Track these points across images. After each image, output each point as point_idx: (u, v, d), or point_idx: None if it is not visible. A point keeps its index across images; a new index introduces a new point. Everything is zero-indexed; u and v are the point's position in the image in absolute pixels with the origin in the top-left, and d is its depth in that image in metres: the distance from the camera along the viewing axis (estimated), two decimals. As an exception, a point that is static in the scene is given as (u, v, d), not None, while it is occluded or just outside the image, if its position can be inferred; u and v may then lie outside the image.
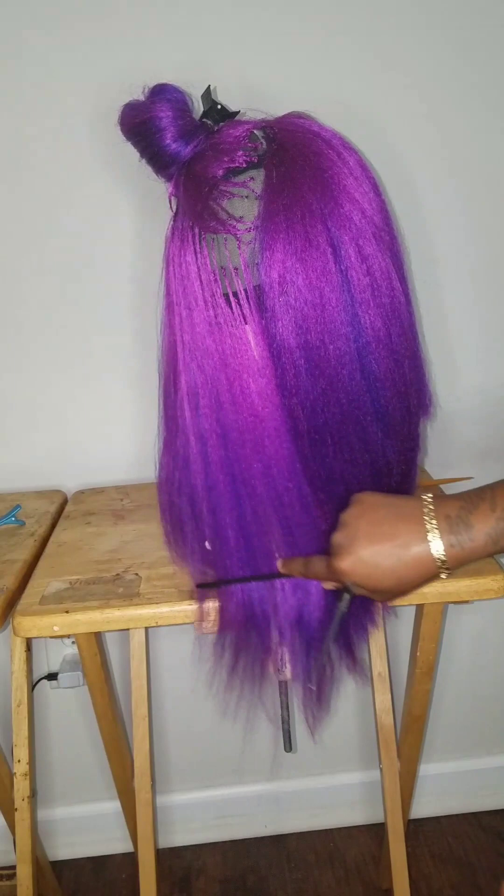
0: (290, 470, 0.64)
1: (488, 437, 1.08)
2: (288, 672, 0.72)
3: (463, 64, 0.90)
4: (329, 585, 0.66)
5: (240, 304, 0.60)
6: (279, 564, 0.68)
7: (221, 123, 0.64)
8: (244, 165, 0.60)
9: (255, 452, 0.64)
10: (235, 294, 0.60)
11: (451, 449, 1.07)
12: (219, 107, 0.64)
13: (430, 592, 0.73)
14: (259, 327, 0.60)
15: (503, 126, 0.93)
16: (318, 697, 0.73)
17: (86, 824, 1.27)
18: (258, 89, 0.86)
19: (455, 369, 1.04)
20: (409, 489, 0.71)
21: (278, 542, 0.68)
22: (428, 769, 1.28)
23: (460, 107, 0.91)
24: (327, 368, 0.61)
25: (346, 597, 0.62)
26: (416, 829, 1.28)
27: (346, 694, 1.20)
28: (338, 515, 0.62)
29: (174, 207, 0.66)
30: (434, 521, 0.55)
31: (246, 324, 0.60)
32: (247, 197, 0.60)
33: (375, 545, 0.57)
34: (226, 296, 0.61)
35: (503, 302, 1.02)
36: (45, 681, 1.13)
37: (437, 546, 0.55)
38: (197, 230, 0.61)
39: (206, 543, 0.72)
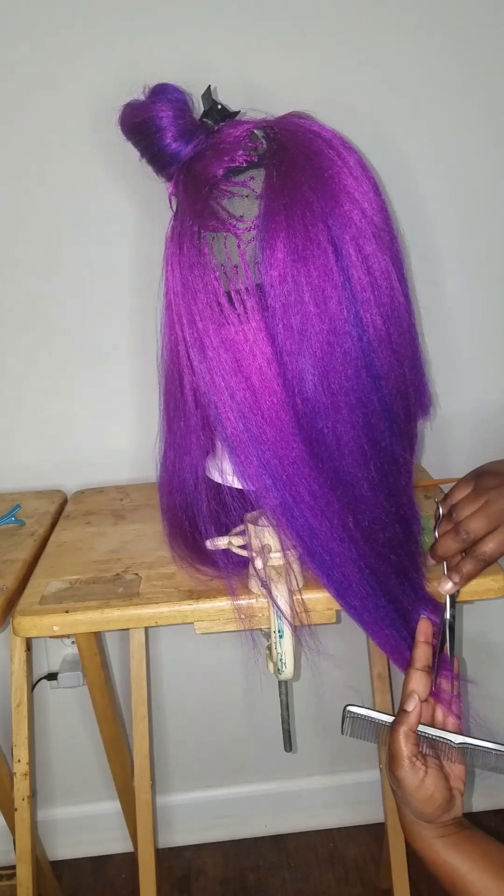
0: (300, 471, 0.64)
1: (487, 437, 1.08)
2: None
3: (463, 64, 0.90)
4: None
5: (242, 303, 0.60)
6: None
7: (222, 123, 0.64)
8: (244, 165, 0.60)
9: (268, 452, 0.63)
10: (238, 292, 0.60)
11: (450, 449, 1.07)
12: (219, 107, 0.64)
13: (431, 592, 0.73)
14: (261, 325, 0.60)
15: None
16: None
17: (86, 824, 1.27)
18: (258, 89, 0.86)
19: (454, 369, 1.04)
20: (410, 487, 0.70)
21: (293, 540, 0.67)
22: (428, 769, 1.28)
23: (460, 106, 0.91)
24: (333, 368, 0.60)
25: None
26: (417, 829, 1.28)
27: (347, 694, 1.20)
28: (348, 516, 0.64)
29: (174, 207, 0.66)
30: None
31: (249, 322, 0.60)
32: (247, 196, 0.60)
33: None
34: (227, 294, 0.61)
35: (502, 302, 1.02)
36: (45, 681, 1.13)
37: None
38: (197, 229, 0.61)
39: (208, 543, 0.72)
